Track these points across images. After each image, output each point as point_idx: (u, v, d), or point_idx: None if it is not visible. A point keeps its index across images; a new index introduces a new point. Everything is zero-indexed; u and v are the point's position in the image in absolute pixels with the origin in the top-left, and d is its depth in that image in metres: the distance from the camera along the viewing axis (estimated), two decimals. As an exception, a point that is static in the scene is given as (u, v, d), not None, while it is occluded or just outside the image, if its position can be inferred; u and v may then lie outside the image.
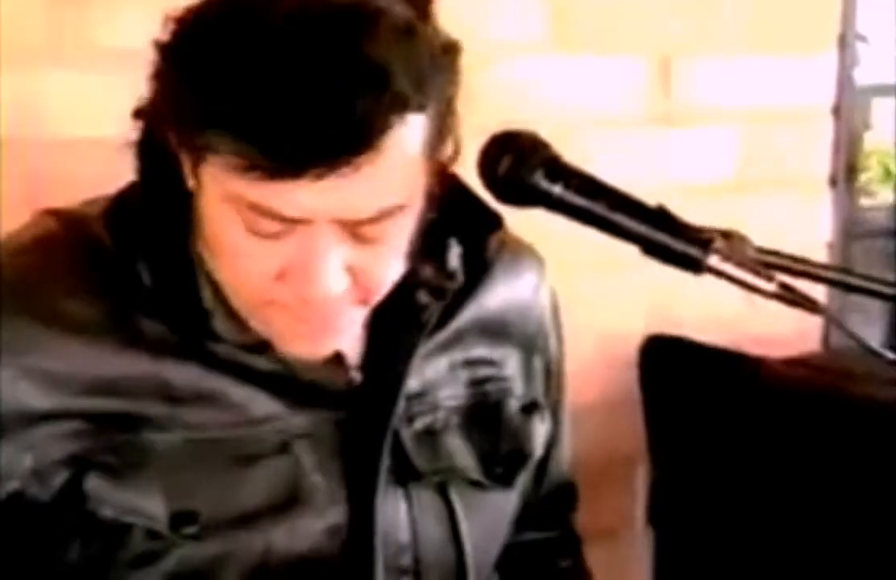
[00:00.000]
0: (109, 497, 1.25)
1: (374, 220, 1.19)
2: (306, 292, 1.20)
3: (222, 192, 1.19)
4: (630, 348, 2.35)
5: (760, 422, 2.26)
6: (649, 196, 1.25)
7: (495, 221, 1.38)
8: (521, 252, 1.50)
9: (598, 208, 1.26)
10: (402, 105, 1.14)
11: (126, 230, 1.30)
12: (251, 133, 1.12)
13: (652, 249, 1.24)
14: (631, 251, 1.25)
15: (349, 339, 1.32)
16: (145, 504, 1.26)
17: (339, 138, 1.11)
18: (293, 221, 1.17)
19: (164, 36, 1.21)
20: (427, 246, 1.35)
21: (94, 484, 1.25)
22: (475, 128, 1.26)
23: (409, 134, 1.16)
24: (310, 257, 1.19)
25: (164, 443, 1.27)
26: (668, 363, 2.37)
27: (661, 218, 1.25)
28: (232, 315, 1.29)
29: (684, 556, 2.36)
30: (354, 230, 1.20)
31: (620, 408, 2.38)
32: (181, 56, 1.18)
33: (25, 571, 1.30)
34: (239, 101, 1.12)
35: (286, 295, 1.22)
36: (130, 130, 1.30)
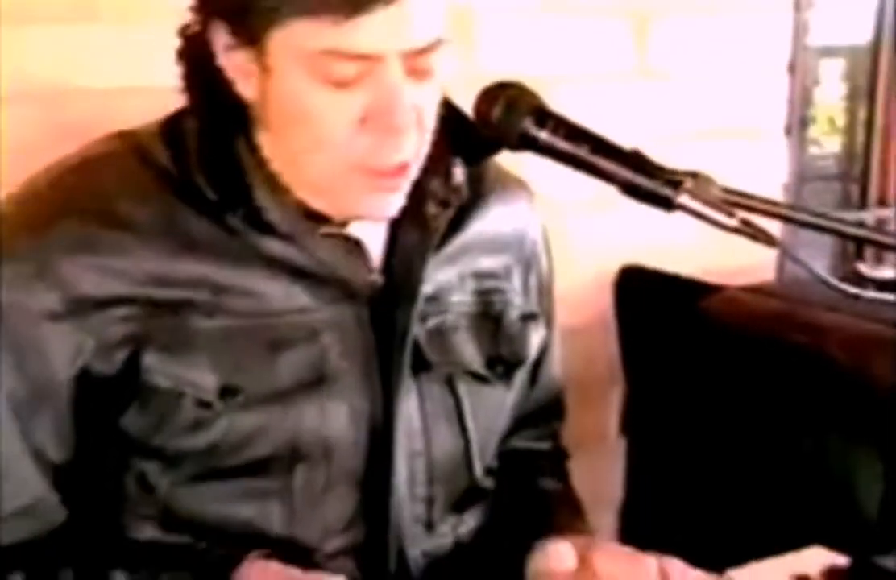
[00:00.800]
0: (164, 369, 1.28)
1: (426, 51, 1.26)
2: (389, 124, 1.25)
3: (297, 55, 1.24)
4: (609, 277, 2.36)
5: (720, 341, 2.28)
6: (627, 143, 1.25)
7: (493, 146, 1.39)
8: (513, 185, 1.53)
9: (581, 152, 1.26)
10: None
11: (180, 144, 1.33)
12: None
13: (629, 189, 1.25)
14: (611, 191, 1.26)
15: (397, 208, 1.34)
16: (196, 376, 1.28)
17: None
18: (368, 59, 1.23)
19: None
20: (434, 163, 1.37)
21: (150, 359, 1.27)
22: (473, 78, 1.26)
23: None
24: (387, 92, 1.24)
25: (209, 327, 1.30)
26: (640, 290, 2.37)
27: (636, 161, 1.25)
28: (286, 205, 1.32)
29: (652, 460, 2.38)
30: (414, 65, 1.25)
31: (600, 331, 2.39)
32: None
33: (92, 438, 1.32)
34: None
35: (366, 145, 1.26)
36: (177, 70, 1.34)
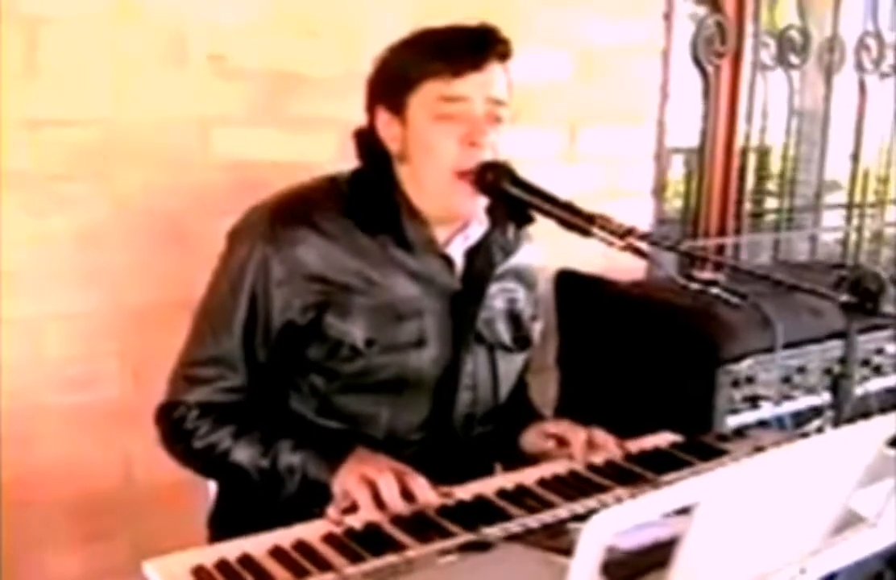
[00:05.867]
0: (335, 325, 1.28)
1: (499, 103, 1.28)
2: (473, 141, 1.26)
3: (422, 106, 1.26)
4: (550, 276, 2.34)
5: (615, 312, 2.28)
6: (564, 196, 1.27)
7: (530, 218, 1.40)
8: (528, 238, 1.51)
9: (536, 201, 1.30)
10: (507, 49, 1.30)
11: (358, 187, 1.33)
12: (447, 58, 1.24)
13: (563, 224, 1.28)
14: (553, 225, 1.27)
15: (480, 209, 1.34)
16: (353, 332, 1.28)
17: (489, 49, 1.27)
18: (464, 100, 1.25)
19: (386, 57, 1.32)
20: (497, 225, 1.39)
21: (328, 318, 1.28)
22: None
23: (506, 67, 1.30)
24: (473, 124, 1.26)
25: (362, 303, 1.29)
26: (569, 284, 2.36)
27: (568, 207, 1.28)
28: (418, 229, 1.31)
29: (574, 382, 2.37)
30: (490, 111, 1.28)
31: (545, 308, 2.36)
32: (397, 55, 1.30)
33: (286, 364, 1.32)
34: (438, 51, 1.26)
35: (460, 155, 1.27)
36: (352, 142, 1.37)
